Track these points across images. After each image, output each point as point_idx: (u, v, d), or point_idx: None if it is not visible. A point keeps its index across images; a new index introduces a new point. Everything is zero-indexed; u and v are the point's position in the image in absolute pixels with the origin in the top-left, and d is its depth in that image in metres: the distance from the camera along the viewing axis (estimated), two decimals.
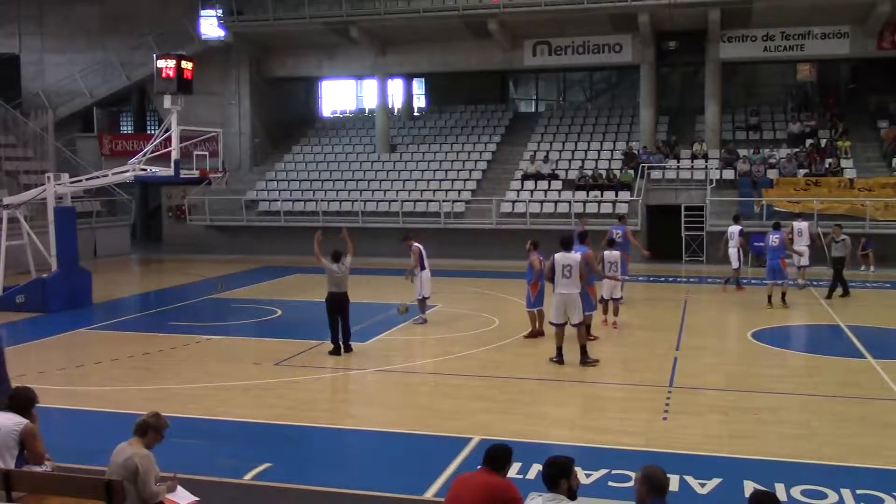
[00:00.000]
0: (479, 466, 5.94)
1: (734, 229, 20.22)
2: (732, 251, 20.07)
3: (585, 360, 12.95)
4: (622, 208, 26.13)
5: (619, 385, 12.21)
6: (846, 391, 11.55)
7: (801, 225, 20.96)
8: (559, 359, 13.04)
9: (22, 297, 18.37)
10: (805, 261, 20.71)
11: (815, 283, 20.99)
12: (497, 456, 5.86)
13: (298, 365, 13.31)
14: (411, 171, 30.55)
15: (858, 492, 7.85)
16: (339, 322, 13.88)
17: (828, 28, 27.51)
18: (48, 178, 19.25)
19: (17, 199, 20.05)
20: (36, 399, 6.98)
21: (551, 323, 13.26)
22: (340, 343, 13.89)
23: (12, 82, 33.93)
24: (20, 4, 34.01)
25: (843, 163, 26.83)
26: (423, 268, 16.48)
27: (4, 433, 6.59)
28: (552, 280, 12.99)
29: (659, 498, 5.33)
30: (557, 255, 12.95)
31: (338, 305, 13.86)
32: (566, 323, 12.99)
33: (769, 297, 18.15)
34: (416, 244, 16.63)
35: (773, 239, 18.22)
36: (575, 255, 13.00)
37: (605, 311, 16.14)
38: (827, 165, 26.50)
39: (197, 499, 6.66)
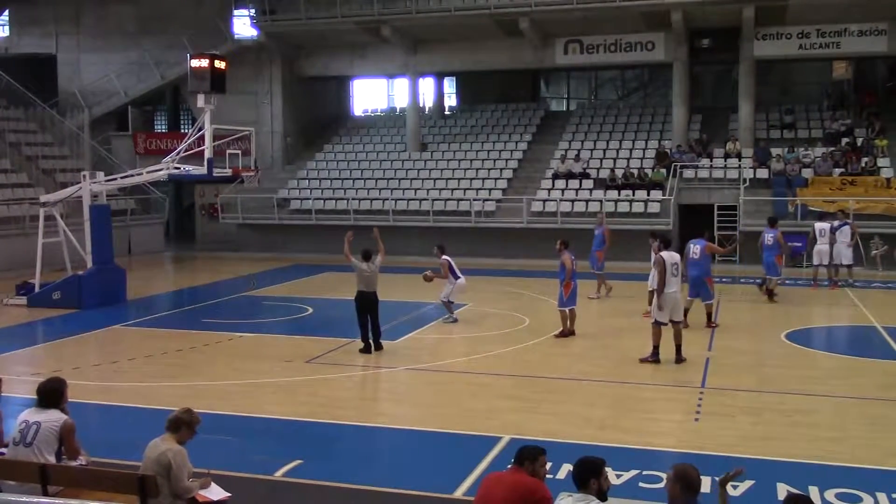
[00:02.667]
0: (509, 465, 5.93)
1: (822, 226, 20.96)
2: (824, 248, 20.81)
3: (680, 357, 12.96)
4: (654, 207, 26.03)
5: (651, 385, 12.11)
6: (882, 394, 11.37)
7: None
8: (655, 358, 12.92)
9: (58, 293, 18.64)
10: (844, 259, 21.05)
11: (838, 282, 20.70)
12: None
13: (329, 363, 13.37)
14: (442, 170, 30.54)
15: (894, 496, 7.73)
16: (369, 320, 13.92)
17: (865, 25, 27.04)
18: (84, 176, 19.48)
19: (53, 197, 20.34)
20: (62, 386, 7.05)
21: (658, 322, 12.97)
22: (371, 341, 13.93)
23: (49, 82, 34.48)
24: (57, 5, 34.52)
25: (880, 162, 26.39)
26: (456, 277, 16.51)
27: (45, 429, 6.73)
28: (664, 280, 12.81)
29: (692, 497, 5.29)
30: (665, 254, 13.03)
31: (367, 304, 13.85)
32: (668, 323, 12.97)
33: (765, 287, 19.15)
34: (444, 257, 16.64)
35: (769, 238, 18.99)
36: (677, 255, 12.98)
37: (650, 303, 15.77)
38: (863, 164, 26.11)
39: (229, 494, 6.72)
